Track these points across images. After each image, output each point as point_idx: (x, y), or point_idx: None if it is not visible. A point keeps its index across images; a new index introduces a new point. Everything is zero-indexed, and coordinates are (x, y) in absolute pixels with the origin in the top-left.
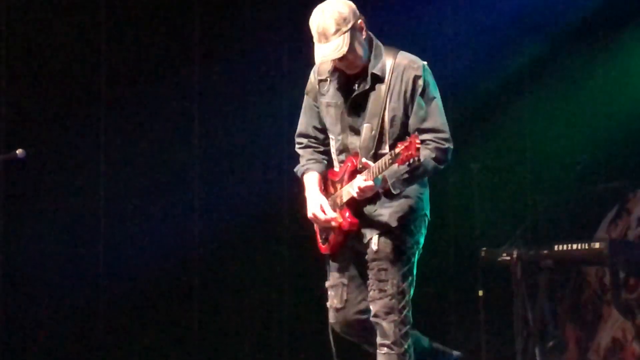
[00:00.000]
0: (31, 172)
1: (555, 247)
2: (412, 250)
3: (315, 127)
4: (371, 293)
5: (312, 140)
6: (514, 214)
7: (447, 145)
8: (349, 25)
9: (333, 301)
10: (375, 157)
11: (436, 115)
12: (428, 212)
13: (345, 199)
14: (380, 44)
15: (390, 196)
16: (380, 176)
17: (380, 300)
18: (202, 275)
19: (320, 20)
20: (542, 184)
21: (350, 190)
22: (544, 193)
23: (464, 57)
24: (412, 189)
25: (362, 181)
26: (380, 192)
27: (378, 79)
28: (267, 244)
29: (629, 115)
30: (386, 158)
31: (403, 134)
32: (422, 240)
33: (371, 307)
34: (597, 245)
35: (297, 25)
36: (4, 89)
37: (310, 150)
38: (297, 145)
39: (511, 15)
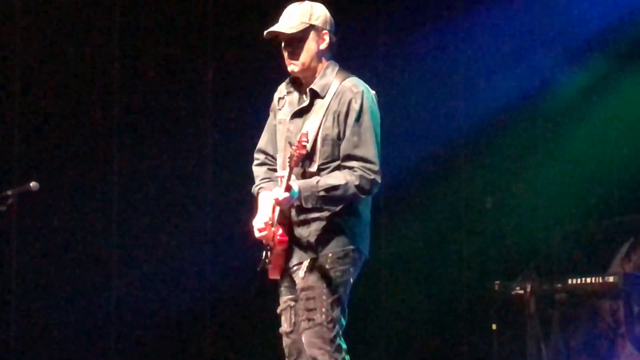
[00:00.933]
0: (44, 204)
1: (569, 281)
2: (340, 279)
3: (273, 145)
4: (302, 324)
5: (269, 157)
6: (527, 247)
7: (373, 176)
8: (314, 22)
9: (283, 326)
10: (304, 174)
11: (369, 145)
12: (362, 248)
13: (276, 217)
14: (336, 66)
15: (304, 210)
16: (296, 189)
17: (310, 330)
18: (214, 311)
19: (293, 6)
20: (555, 218)
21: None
22: (558, 226)
23: (473, 90)
24: (346, 222)
25: (279, 192)
26: (294, 205)
27: (317, 96)
28: None
29: None
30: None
31: (334, 155)
32: (352, 273)
33: (303, 339)
34: (611, 278)
35: None
36: (17, 122)
37: (264, 168)
38: (254, 162)
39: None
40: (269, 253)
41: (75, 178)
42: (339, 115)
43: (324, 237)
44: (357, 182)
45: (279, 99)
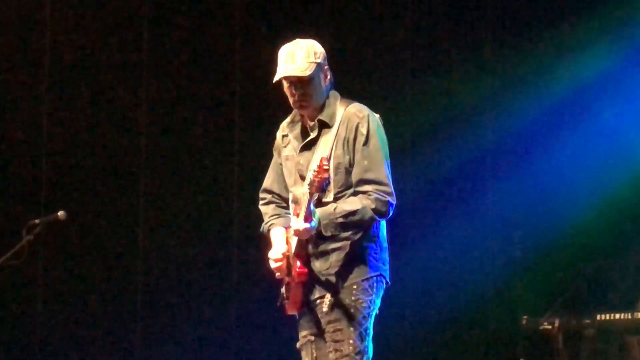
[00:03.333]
0: (71, 233)
1: (598, 317)
2: (367, 310)
3: (279, 184)
4: (329, 355)
5: (276, 196)
6: (556, 282)
7: (388, 198)
8: (318, 60)
9: None
10: (320, 205)
11: (379, 168)
12: (386, 275)
13: (293, 249)
14: (337, 94)
15: (323, 238)
16: (316, 218)
17: None
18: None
19: (292, 46)
20: (584, 252)
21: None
22: (587, 261)
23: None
24: (365, 249)
25: (299, 223)
26: (314, 234)
27: (325, 125)
28: None
29: None
30: (306, 194)
31: (348, 183)
32: (378, 302)
33: None
34: None
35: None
36: (44, 151)
37: (272, 206)
38: (260, 202)
39: None
40: (286, 287)
41: (102, 207)
42: (347, 142)
43: (346, 268)
44: (373, 206)
45: (283, 136)
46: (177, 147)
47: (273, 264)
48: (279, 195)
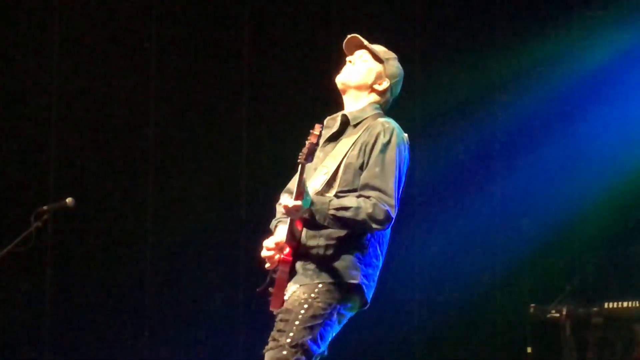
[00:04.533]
0: (80, 221)
1: (606, 305)
2: (321, 311)
3: None
4: (269, 343)
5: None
6: (563, 270)
7: (388, 208)
8: (386, 65)
9: None
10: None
11: (389, 179)
12: (365, 291)
13: (285, 237)
14: (380, 112)
15: (311, 226)
16: (309, 198)
17: (271, 351)
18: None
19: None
20: (592, 241)
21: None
22: (594, 249)
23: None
24: (353, 257)
25: (289, 199)
26: (304, 218)
27: (347, 123)
28: None
29: None
30: (320, 175)
31: (354, 184)
32: (339, 311)
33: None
34: None
35: None
36: (53, 139)
37: None
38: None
39: None
40: (273, 281)
41: (110, 195)
42: (366, 146)
43: (324, 267)
44: (369, 210)
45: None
46: (186, 136)
47: (264, 252)
48: None
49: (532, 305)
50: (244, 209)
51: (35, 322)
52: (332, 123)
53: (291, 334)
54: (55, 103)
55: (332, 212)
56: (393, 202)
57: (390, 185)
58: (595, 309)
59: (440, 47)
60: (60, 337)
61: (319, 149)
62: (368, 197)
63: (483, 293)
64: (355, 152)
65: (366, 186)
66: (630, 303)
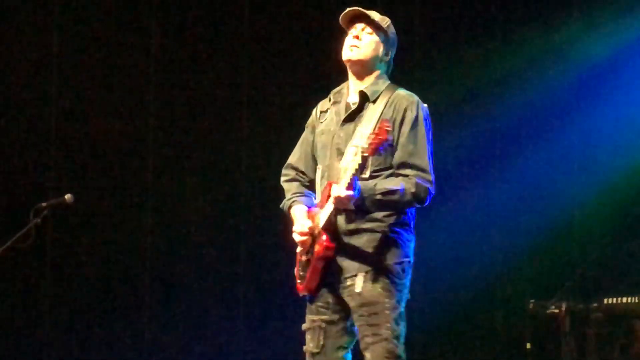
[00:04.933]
0: (79, 217)
1: (605, 300)
2: (400, 294)
3: (306, 163)
4: (365, 339)
5: (300, 174)
6: (563, 266)
7: (429, 185)
8: (389, 31)
9: (309, 345)
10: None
11: (423, 155)
12: (412, 260)
13: (322, 223)
14: (387, 79)
15: (355, 219)
16: (358, 186)
17: (377, 345)
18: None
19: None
20: (591, 236)
21: (326, 208)
22: (594, 245)
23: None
24: (400, 234)
25: (341, 189)
26: (352, 207)
27: (367, 99)
28: None
29: None
30: (357, 157)
31: (386, 163)
32: (409, 287)
33: (367, 355)
34: None
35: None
36: (53, 135)
37: (297, 184)
38: (282, 177)
39: None
40: (303, 264)
41: (109, 190)
42: (393, 123)
43: (379, 249)
44: (413, 190)
45: (321, 112)
46: (186, 134)
47: (298, 237)
48: (303, 173)
49: (532, 301)
50: (244, 207)
51: (34, 319)
52: (339, 97)
53: (388, 325)
54: (55, 99)
55: (378, 197)
56: (431, 177)
57: (426, 160)
58: (594, 304)
59: (436, 43)
60: (58, 334)
61: (337, 129)
62: (407, 176)
63: (483, 288)
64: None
65: (403, 165)
66: (629, 299)
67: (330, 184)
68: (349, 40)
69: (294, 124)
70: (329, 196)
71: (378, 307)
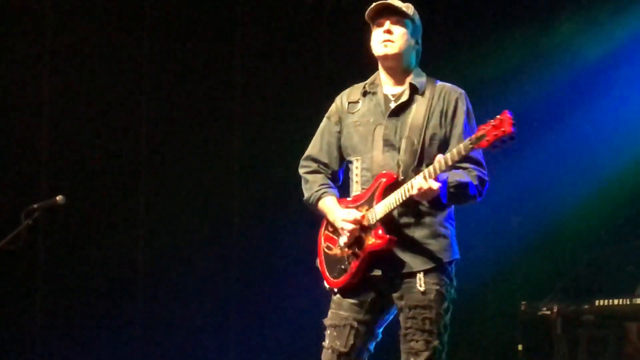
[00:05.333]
0: (71, 219)
1: (596, 302)
2: (451, 296)
3: (329, 154)
4: (413, 344)
5: (322, 166)
6: (554, 268)
7: (486, 178)
8: (417, 20)
9: (335, 342)
10: (416, 173)
11: (479, 150)
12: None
13: (380, 215)
14: (421, 70)
15: (408, 214)
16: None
17: (427, 352)
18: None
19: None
20: (583, 238)
21: (400, 194)
22: (585, 247)
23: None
24: (449, 230)
25: (428, 181)
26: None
27: (416, 91)
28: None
29: None
30: (460, 147)
31: (428, 156)
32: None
33: None
34: (638, 300)
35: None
36: (45, 136)
37: (321, 175)
38: (303, 169)
39: None
40: (345, 257)
41: (102, 193)
42: (445, 115)
43: (434, 246)
44: (476, 182)
45: (350, 103)
46: (178, 135)
47: (348, 225)
48: (326, 165)
49: (524, 302)
50: (237, 210)
51: (26, 321)
52: (374, 88)
53: (439, 334)
54: (46, 101)
55: (452, 190)
56: (486, 170)
57: (481, 154)
58: (586, 306)
59: (430, 43)
60: (51, 336)
61: (383, 119)
62: (467, 169)
63: (475, 290)
64: (435, 121)
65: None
66: (620, 300)
67: (391, 174)
68: (380, 36)
69: (285, 131)
70: (384, 188)
71: (432, 313)
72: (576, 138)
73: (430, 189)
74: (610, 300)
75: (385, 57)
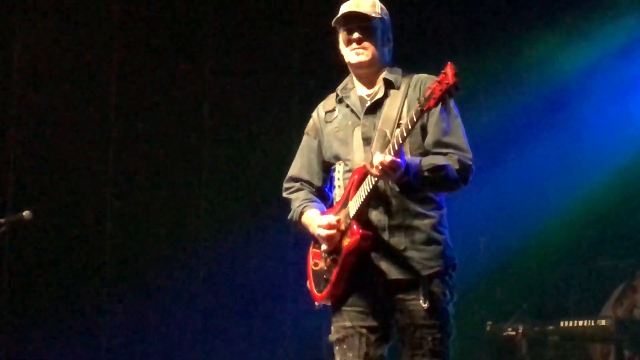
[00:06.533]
0: (37, 234)
1: (561, 323)
2: (452, 310)
3: (310, 171)
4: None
5: (305, 184)
6: (520, 288)
7: (470, 163)
8: (384, 16)
9: (347, 355)
10: None
11: (460, 134)
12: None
13: (353, 212)
14: (398, 68)
15: (399, 215)
16: (405, 158)
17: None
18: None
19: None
20: (548, 259)
21: (367, 183)
22: (551, 268)
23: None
24: (443, 233)
25: (386, 155)
26: (397, 183)
27: (391, 86)
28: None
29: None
30: (411, 113)
31: (423, 148)
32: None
33: None
34: (603, 322)
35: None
36: (12, 152)
37: (304, 192)
38: (285, 192)
39: None
40: (326, 267)
41: (68, 207)
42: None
43: (430, 253)
44: (457, 167)
45: (326, 112)
46: (146, 148)
47: (324, 232)
48: (309, 182)
49: (489, 323)
50: (204, 222)
51: None
52: (347, 92)
53: (445, 354)
54: (15, 115)
55: (426, 174)
56: (471, 155)
57: (462, 138)
58: (551, 327)
59: (432, 44)
60: (15, 349)
61: (362, 118)
62: (446, 155)
63: None
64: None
65: (438, 144)
66: (585, 322)
67: (361, 168)
68: (350, 44)
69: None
70: (357, 183)
71: (441, 333)
72: (541, 160)
73: (391, 164)
74: (575, 322)
75: (359, 65)
